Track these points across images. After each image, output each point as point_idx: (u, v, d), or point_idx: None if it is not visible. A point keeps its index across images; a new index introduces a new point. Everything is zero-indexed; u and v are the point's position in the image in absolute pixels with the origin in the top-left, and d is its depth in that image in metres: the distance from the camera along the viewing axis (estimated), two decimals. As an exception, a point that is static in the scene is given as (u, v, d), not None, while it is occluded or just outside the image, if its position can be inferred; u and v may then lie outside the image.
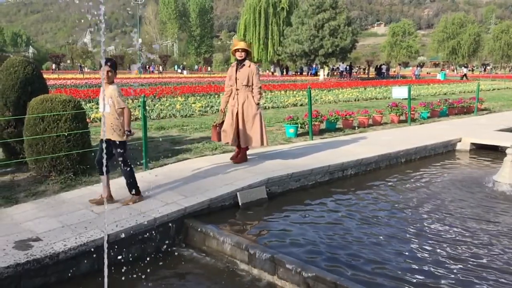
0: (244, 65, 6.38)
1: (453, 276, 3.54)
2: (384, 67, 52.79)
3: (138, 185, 4.90)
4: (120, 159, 4.67)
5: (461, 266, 3.72)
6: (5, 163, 6.34)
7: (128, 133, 4.66)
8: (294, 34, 43.14)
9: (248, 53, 6.43)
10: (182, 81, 30.77)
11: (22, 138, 5.84)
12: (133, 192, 4.82)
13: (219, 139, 6.57)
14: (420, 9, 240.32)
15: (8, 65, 6.34)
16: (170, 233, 4.55)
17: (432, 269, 3.64)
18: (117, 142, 4.68)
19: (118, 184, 5.26)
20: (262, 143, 6.47)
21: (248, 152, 7.07)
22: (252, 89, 6.39)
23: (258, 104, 6.41)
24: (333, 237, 4.39)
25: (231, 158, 6.69)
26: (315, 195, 5.88)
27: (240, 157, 6.70)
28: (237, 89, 6.38)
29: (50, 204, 4.84)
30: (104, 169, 4.50)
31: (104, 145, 4.57)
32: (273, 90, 21.24)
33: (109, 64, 4.59)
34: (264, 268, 3.86)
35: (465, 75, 45.89)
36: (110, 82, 4.64)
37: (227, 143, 6.53)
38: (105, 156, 4.45)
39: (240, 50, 6.35)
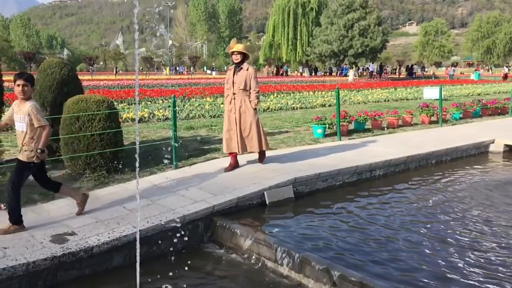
0: (241, 68, 6.15)
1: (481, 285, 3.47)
2: (415, 67, 51.76)
3: (21, 214, 4.23)
4: (12, 180, 4.17)
5: (487, 275, 3.60)
6: (42, 160, 6.60)
7: (40, 152, 4.15)
8: (323, 35, 42.89)
9: (245, 56, 6.22)
10: (211, 82, 31.08)
11: (58, 136, 6.07)
12: (13, 221, 4.16)
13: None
14: (454, 8, 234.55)
15: (46, 66, 6.60)
16: (198, 230, 4.66)
17: (461, 279, 3.54)
18: (22, 161, 4.20)
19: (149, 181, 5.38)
20: (261, 148, 6.31)
21: (275, 153, 7.11)
22: (250, 93, 6.17)
23: (255, 109, 6.18)
24: (358, 239, 4.36)
25: (225, 170, 6.27)
26: (342, 195, 5.88)
27: (261, 158, 6.63)
28: (234, 93, 6.16)
29: (85, 200, 5.02)
30: (55, 185, 4.56)
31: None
32: (302, 91, 21.20)
33: (24, 77, 4.12)
34: (290, 266, 3.90)
35: (506, 74, 44.19)
36: (27, 98, 4.15)
37: (236, 153, 6.31)
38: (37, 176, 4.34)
39: (236, 53, 6.12)
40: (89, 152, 5.78)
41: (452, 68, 49.27)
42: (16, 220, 4.17)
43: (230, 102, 6.20)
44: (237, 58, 6.14)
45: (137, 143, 3.16)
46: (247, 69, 6.16)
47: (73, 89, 6.52)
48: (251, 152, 6.47)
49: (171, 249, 4.23)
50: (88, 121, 5.77)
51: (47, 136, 4.20)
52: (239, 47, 6.15)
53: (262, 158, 6.65)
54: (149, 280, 3.73)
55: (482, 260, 3.87)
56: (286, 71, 57.79)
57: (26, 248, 3.76)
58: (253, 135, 6.18)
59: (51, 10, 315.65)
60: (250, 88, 6.16)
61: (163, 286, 3.65)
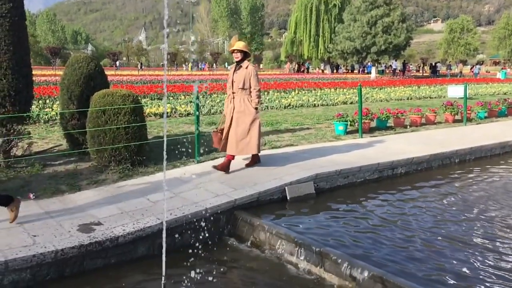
0: (241, 66, 5.95)
1: None
2: (439, 65, 50.82)
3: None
4: None
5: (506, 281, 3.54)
6: (69, 152, 6.79)
7: None
8: (345, 31, 42.53)
9: (246, 54, 6.02)
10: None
11: (85, 130, 6.23)
12: (5, 204, 4.09)
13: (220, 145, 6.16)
14: (480, 5, 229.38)
15: (73, 61, 6.77)
16: (220, 223, 4.73)
17: (480, 283, 3.48)
18: None
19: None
20: (258, 151, 6.08)
21: (296, 149, 7.10)
22: (250, 92, 5.94)
23: (256, 108, 5.93)
24: (377, 238, 4.34)
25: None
26: (363, 193, 5.87)
27: (253, 160, 6.39)
28: (233, 92, 5.99)
29: (110, 191, 5.17)
30: None
31: None
32: (323, 88, 21.10)
33: None
34: (310, 261, 3.93)
35: None
36: None
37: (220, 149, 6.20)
38: None
39: (236, 51, 5.92)
40: (115, 145, 5.91)
41: (477, 66, 48.28)
42: (6, 201, 4.09)
43: (231, 102, 6.03)
44: (237, 56, 5.93)
45: (165, 136, 3.24)
46: (247, 67, 5.93)
47: (99, 84, 6.67)
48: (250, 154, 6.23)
49: (193, 241, 4.31)
50: (114, 115, 5.90)
51: None
52: (239, 45, 5.93)
53: (254, 160, 6.37)
54: (172, 271, 3.81)
55: (503, 265, 3.81)
56: (308, 68, 57.53)
57: (54, 236, 3.89)
58: (251, 137, 5.90)
59: (76, 6, 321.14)
60: (250, 87, 5.94)
61: (185, 277, 3.73)
